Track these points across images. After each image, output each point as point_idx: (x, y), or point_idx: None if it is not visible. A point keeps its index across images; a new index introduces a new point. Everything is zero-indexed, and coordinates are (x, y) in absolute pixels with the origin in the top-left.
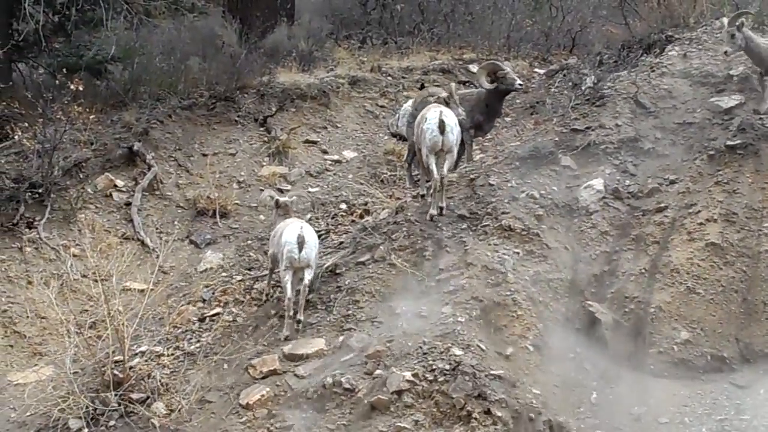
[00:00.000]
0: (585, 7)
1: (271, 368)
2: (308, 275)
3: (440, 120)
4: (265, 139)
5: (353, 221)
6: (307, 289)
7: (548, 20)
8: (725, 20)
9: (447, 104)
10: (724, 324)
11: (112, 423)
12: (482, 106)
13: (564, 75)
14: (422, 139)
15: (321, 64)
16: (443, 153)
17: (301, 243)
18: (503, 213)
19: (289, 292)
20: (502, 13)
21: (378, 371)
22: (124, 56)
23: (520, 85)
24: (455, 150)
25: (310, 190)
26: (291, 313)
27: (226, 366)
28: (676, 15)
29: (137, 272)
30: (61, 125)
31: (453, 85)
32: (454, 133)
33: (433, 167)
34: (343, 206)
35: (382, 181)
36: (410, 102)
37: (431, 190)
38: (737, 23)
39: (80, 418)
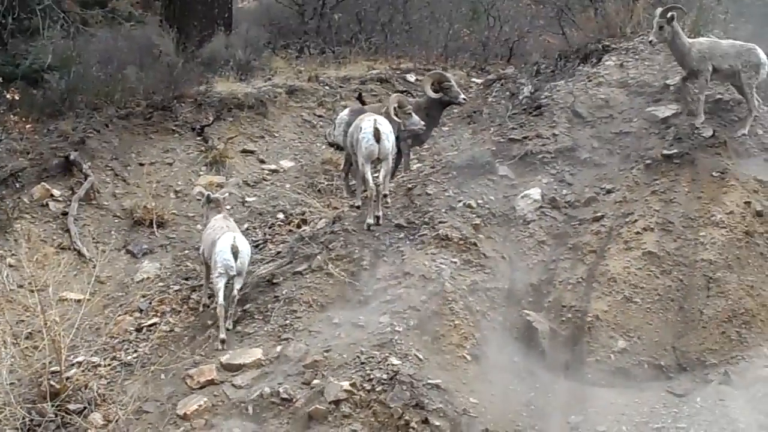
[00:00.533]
0: (522, 17)
1: (209, 378)
2: (238, 284)
3: (375, 128)
4: (203, 148)
5: (290, 231)
6: (236, 297)
7: (485, 30)
8: (658, 11)
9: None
10: (661, 333)
11: None
12: (422, 115)
13: (501, 85)
14: (358, 148)
15: (258, 73)
16: (379, 161)
17: (235, 253)
18: (440, 222)
19: (221, 299)
20: (440, 23)
21: (315, 381)
22: (61, 65)
23: (463, 99)
24: (391, 158)
25: (248, 199)
26: (224, 318)
27: (163, 376)
28: (613, 25)
29: (74, 282)
30: None
31: (397, 96)
32: (389, 141)
33: (369, 176)
34: (281, 216)
35: (319, 190)
36: (346, 111)
37: (368, 199)
38: (668, 16)
39: (17, 429)
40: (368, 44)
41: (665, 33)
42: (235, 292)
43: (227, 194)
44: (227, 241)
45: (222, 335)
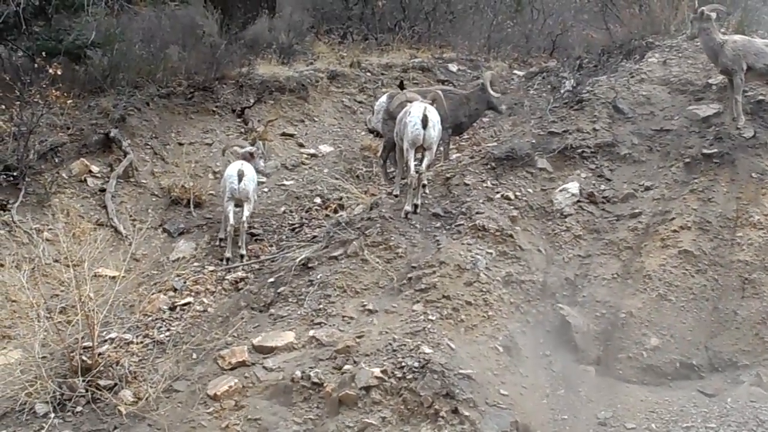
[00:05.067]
0: (566, 11)
1: (240, 360)
2: (247, 210)
3: (424, 115)
4: (242, 130)
5: (327, 216)
6: (245, 223)
7: (529, 22)
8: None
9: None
10: (694, 332)
11: (78, 409)
12: (471, 106)
13: (543, 78)
14: (404, 133)
15: (301, 57)
16: (423, 149)
17: (240, 176)
18: (477, 213)
19: (231, 219)
20: (484, 14)
21: (347, 366)
22: (104, 42)
23: (503, 110)
24: (435, 147)
25: (285, 183)
26: (231, 238)
27: (194, 356)
28: (657, 22)
29: (109, 259)
30: (38, 109)
31: (440, 92)
32: (435, 130)
33: (412, 163)
34: (318, 200)
35: (357, 176)
36: (385, 97)
37: (407, 187)
38: (699, 12)
39: (47, 402)
40: (411, 32)
41: (694, 28)
42: (244, 217)
43: (258, 150)
44: (234, 168)
45: (228, 254)
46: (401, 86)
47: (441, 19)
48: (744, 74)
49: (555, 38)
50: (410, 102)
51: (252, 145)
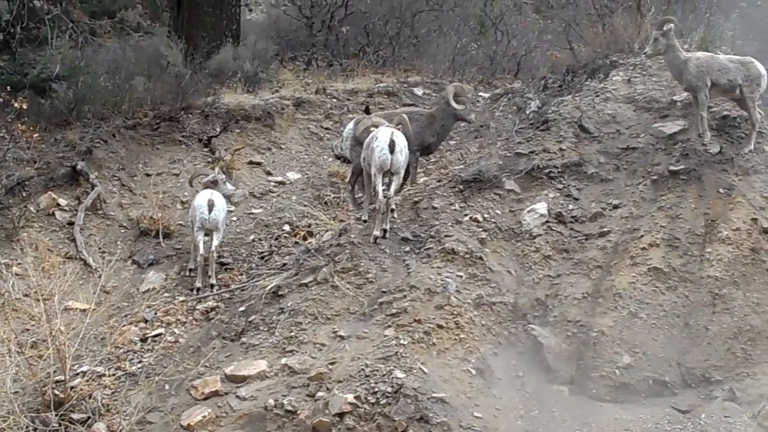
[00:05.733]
0: (530, 32)
1: (213, 389)
2: (216, 239)
3: (391, 140)
4: (209, 159)
5: (296, 243)
6: (215, 252)
7: (493, 44)
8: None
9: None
10: (666, 348)
11: None
12: (437, 126)
13: (508, 99)
14: (372, 158)
15: (266, 85)
16: (390, 174)
17: (210, 206)
18: (446, 236)
19: (201, 249)
20: (448, 37)
21: (320, 393)
22: (69, 75)
23: (473, 118)
24: (402, 172)
25: (254, 211)
26: (202, 268)
27: (167, 387)
28: (621, 40)
29: (79, 292)
30: (4, 143)
31: (405, 116)
32: (403, 155)
33: (380, 188)
34: (287, 228)
35: (325, 203)
36: (351, 123)
37: (375, 212)
38: (665, 28)
39: None
40: (376, 57)
41: (659, 45)
42: (214, 247)
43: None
44: (204, 197)
45: (198, 284)
46: (367, 111)
47: (405, 43)
48: (708, 90)
49: (519, 59)
50: (376, 126)
51: (216, 171)
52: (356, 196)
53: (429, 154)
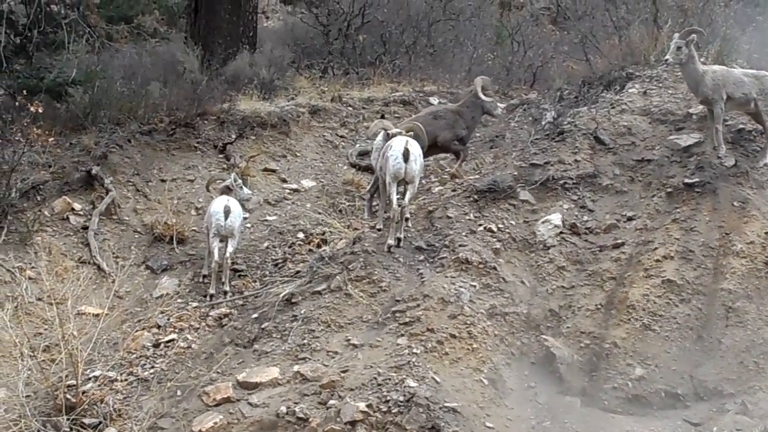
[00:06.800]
0: (546, 43)
1: (225, 396)
2: (231, 246)
3: (405, 149)
4: (224, 166)
5: (310, 250)
6: (229, 259)
7: (509, 55)
8: (677, 35)
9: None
10: (679, 361)
11: None
12: (467, 118)
13: (524, 110)
14: (386, 167)
15: (282, 92)
16: (405, 182)
17: (227, 212)
18: (461, 246)
19: (216, 255)
20: (464, 47)
21: (332, 401)
22: (85, 80)
23: (499, 112)
24: (417, 181)
25: (268, 218)
26: (216, 275)
27: (179, 393)
28: (637, 52)
29: (92, 296)
30: (19, 147)
31: (418, 123)
32: (417, 163)
33: (394, 197)
34: (301, 235)
35: (340, 211)
36: (380, 136)
37: (389, 221)
38: (688, 38)
39: None
40: (392, 66)
41: (681, 54)
42: (228, 253)
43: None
44: (220, 203)
45: (212, 291)
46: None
47: (421, 52)
48: (724, 104)
49: (535, 70)
50: (386, 129)
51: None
52: (372, 205)
53: (464, 145)
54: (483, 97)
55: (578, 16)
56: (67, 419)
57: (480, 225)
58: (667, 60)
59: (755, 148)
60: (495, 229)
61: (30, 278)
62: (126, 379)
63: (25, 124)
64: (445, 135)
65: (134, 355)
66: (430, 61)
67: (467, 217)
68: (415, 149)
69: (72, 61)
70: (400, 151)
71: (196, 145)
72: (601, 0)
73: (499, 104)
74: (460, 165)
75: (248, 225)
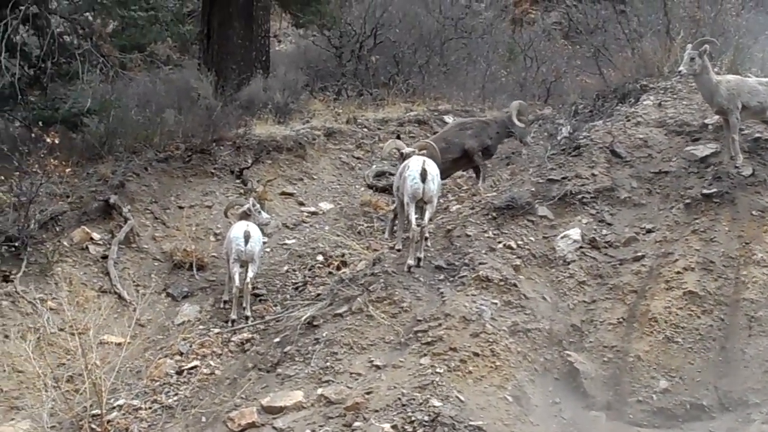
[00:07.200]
0: (559, 58)
1: (249, 421)
2: (252, 271)
3: (423, 168)
4: (242, 191)
5: (330, 273)
6: (250, 284)
7: (523, 71)
8: (689, 46)
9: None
10: (703, 372)
11: None
12: (492, 131)
13: (539, 125)
14: (404, 187)
15: (297, 115)
16: (423, 202)
17: (247, 238)
18: (480, 263)
19: (237, 281)
20: (477, 64)
21: (357, 423)
22: (100, 109)
23: (528, 141)
24: (435, 200)
25: (287, 242)
26: (237, 300)
27: (204, 419)
28: (651, 64)
29: (114, 325)
30: (37, 178)
31: (432, 142)
32: (435, 183)
33: (413, 217)
34: (320, 258)
35: (358, 232)
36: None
37: (408, 241)
38: (701, 48)
39: None
40: (406, 86)
41: (695, 65)
42: (249, 278)
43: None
44: (240, 228)
45: (233, 316)
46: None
47: (435, 71)
48: (739, 113)
49: (549, 85)
50: (398, 149)
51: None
52: (394, 225)
53: (491, 157)
54: (517, 122)
55: (590, 29)
56: None
57: (499, 242)
58: (680, 71)
59: None
60: (514, 246)
61: (51, 309)
62: (150, 407)
63: (42, 155)
64: (472, 143)
65: (158, 383)
66: (444, 79)
67: (486, 235)
68: (433, 169)
69: (86, 91)
70: (418, 171)
71: (213, 171)
72: (612, 13)
73: (530, 131)
74: (483, 181)
75: (267, 249)
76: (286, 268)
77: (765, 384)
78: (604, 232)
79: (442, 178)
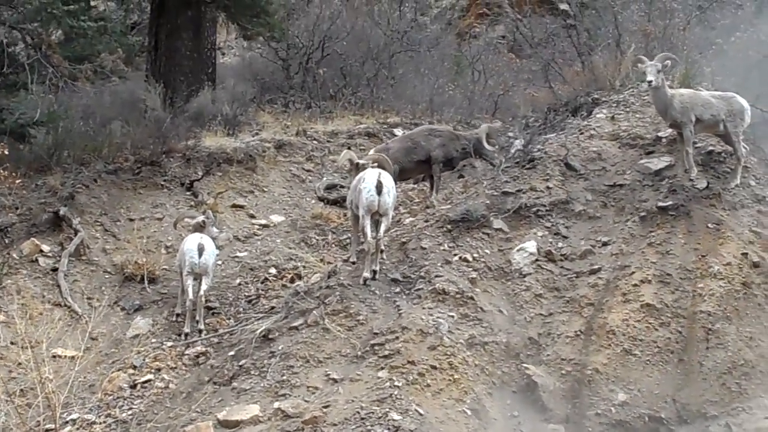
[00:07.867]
0: (507, 71)
1: None
2: (205, 284)
3: (378, 181)
4: (192, 203)
5: (284, 286)
6: (203, 297)
7: (470, 84)
8: (648, 61)
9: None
10: (661, 385)
11: None
12: (459, 144)
13: None
14: (359, 200)
15: (246, 128)
16: (379, 215)
17: (200, 250)
18: (437, 276)
19: (190, 294)
20: (425, 78)
21: None
22: (47, 120)
23: (498, 163)
24: (391, 213)
25: (239, 254)
26: (190, 313)
27: None
28: (602, 78)
29: (66, 339)
30: None
31: (384, 155)
32: (390, 196)
33: (368, 229)
34: (273, 270)
35: (311, 245)
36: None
37: (363, 254)
38: (664, 62)
39: None
40: (354, 99)
41: (659, 78)
42: (202, 291)
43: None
44: (194, 241)
45: (186, 329)
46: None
47: (383, 84)
48: (693, 126)
49: (497, 99)
50: (351, 160)
51: (202, 213)
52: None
53: (452, 170)
54: (486, 146)
55: (535, 43)
56: None
57: (455, 255)
58: (650, 82)
59: (726, 170)
60: (470, 259)
61: (2, 322)
62: (104, 422)
63: None
64: (438, 152)
65: (111, 397)
66: (392, 92)
67: (441, 248)
68: (388, 182)
69: (32, 101)
70: (373, 183)
71: (163, 183)
72: (560, 27)
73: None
74: (436, 193)
75: (219, 262)
76: (238, 281)
77: (723, 396)
78: (560, 245)
79: (402, 179)
